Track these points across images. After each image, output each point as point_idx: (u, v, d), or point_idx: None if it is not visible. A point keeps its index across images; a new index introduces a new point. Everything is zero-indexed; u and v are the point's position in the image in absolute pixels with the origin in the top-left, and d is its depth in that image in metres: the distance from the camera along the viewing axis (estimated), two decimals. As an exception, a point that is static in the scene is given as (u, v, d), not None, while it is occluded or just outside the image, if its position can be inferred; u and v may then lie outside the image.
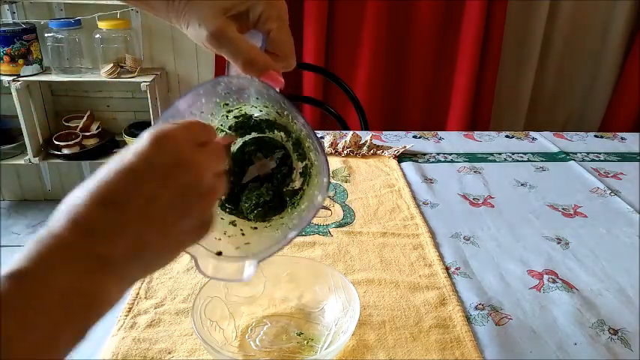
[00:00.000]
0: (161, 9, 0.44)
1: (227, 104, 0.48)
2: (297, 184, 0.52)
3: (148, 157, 0.32)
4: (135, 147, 0.32)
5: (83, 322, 0.29)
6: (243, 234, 0.51)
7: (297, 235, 0.46)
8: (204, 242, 0.46)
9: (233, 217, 0.52)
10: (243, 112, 0.50)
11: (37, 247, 0.29)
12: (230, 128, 0.51)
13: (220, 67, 2.00)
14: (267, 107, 0.49)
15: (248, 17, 0.43)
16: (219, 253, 0.46)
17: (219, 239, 0.49)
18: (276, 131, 0.51)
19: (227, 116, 0.50)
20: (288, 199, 0.52)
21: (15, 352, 0.25)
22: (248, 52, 0.42)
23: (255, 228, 0.51)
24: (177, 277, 0.66)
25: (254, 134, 0.51)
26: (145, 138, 0.33)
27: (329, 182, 0.46)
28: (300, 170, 0.53)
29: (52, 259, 0.28)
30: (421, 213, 0.83)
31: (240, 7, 0.42)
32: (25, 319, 0.26)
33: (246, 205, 0.51)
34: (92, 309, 0.29)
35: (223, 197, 0.52)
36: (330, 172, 0.50)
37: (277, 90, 0.45)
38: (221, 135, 0.51)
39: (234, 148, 0.53)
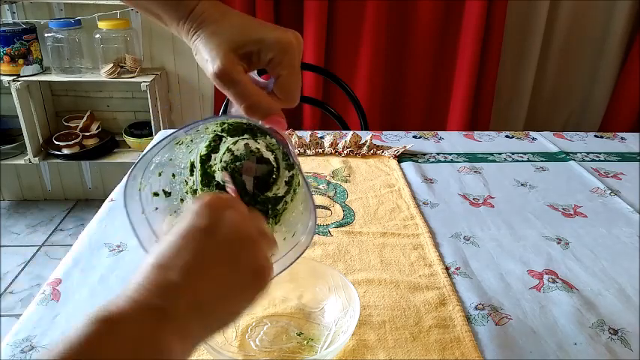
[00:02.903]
0: (172, 27, 0.44)
1: (223, 123, 0.49)
2: (281, 192, 0.53)
3: (208, 230, 0.35)
4: (192, 219, 0.36)
5: None
6: None
7: (277, 275, 0.45)
8: None
9: None
10: (237, 122, 0.50)
11: (117, 301, 0.31)
12: (223, 131, 0.51)
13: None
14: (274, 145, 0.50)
15: (259, 57, 0.42)
16: None
17: None
18: (267, 137, 0.51)
19: (222, 127, 0.50)
20: (270, 206, 0.52)
21: None
22: (252, 98, 0.42)
23: None
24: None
25: (247, 136, 0.51)
26: (197, 210, 0.36)
27: (315, 224, 0.46)
28: (286, 179, 0.53)
29: (125, 311, 0.31)
30: (421, 213, 0.83)
31: (251, 48, 0.41)
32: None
33: None
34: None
35: None
36: (316, 215, 0.51)
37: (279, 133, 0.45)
38: (210, 136, 0.52)
39: (223, 147, 0.53)
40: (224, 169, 0.53)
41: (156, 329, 0.31)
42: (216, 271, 0.34)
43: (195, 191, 0.53)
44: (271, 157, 0.53)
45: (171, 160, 0.50)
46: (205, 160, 0.52)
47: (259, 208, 0.52)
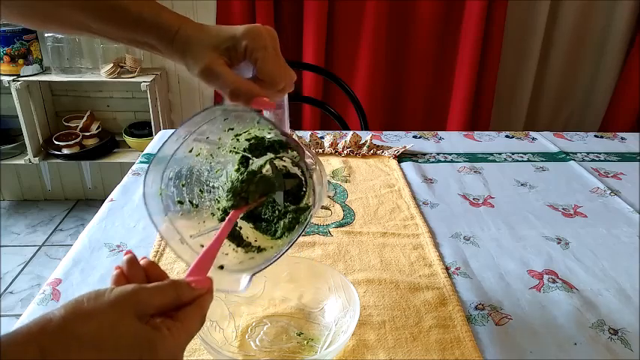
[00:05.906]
0: (164, 53, 0.49)
1: (232, 129, 0.50)
2: (310, 201, 0.54)
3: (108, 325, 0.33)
4: (101, 305, 0.34)
5: None
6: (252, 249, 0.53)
7: (289, 248, 0.47)
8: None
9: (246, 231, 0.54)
10: (253, 135, 0.52)
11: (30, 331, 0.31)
12: (245, 150, 0.52)
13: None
14: (272, 129, 0.51)
15: (236, 50, 0.47)
16: (222, 267, 0.48)
17: (227, 254, 0.51)
18: (289, 151, 0.52)
19: (238, 139, 0.51)
20: (301, 215, 0.54)
21: None
22: (233, 83, 0.46)
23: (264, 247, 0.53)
24: (177, 277, 0.66)
25: (269, 154, 0.53)
26: (112, 303, 0.34)
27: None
28: (314, 188, 0.54)
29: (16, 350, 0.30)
30: (421, 213, 0.83)
31: (228, 44, 0.47)
32: None
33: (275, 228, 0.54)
34: None
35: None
36: (326, 181, 0.53)
37: (267, 113, 0.47)
38: (236, 156, 0.53)
39: (252, 167, 0.54)
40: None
41: None
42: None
43: (226, 211, 0.54)
44: (298, 172, 0.54)
45: (192, 173, 0.51)
46: None
47: (291, 217, 0.54)
